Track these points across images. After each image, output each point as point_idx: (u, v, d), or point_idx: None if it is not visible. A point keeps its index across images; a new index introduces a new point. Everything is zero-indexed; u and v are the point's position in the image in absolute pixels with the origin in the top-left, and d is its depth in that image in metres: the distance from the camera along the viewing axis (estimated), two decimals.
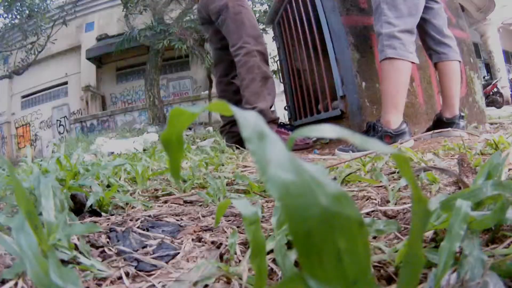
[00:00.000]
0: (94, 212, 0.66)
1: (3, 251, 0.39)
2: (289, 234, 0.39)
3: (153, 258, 0.43)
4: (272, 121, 2.45)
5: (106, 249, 0.45)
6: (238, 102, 2.49)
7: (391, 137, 1.61)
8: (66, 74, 13.76)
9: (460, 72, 1.86)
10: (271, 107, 2.47)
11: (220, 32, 2.58)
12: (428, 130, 1.94)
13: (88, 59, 12.81)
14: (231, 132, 2.58)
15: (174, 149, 0.23)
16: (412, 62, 1.65)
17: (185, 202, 0.82)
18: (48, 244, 0.36)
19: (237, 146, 2.13)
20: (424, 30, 1.88)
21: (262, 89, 2.38)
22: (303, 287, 0.16)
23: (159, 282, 0.37)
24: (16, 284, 0.34)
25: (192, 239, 0.49)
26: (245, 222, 0.31)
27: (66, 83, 13.88)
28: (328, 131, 0.18)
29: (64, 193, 0.64)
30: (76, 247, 0.43)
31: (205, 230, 0.53)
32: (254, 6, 9.96)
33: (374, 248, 0.39)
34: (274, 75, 10.56)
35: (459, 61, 1.85)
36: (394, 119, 1.63)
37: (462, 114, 1.84)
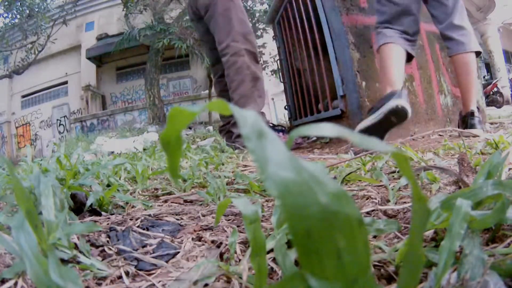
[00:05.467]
0: (94, 212, 0.65)
1: (3, 251, 0.39)
2: (289, 233, 0.39)
3: (153, 257, 0.43)
4: None
5: (106, 248, 0.45)
6: None
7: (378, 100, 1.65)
8: (66, 74, 13.76)
9: (470, 64, 1.79)
10: (261, 110, 2.37)
11: (211, 32, 2.47)
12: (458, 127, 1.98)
13: (88, 58, 12.81)
14: (231, 132, 2.55)
15: (173, 149, 0.23)
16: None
17: (185, 201, 0.82)
18: (48, 243, 0.36)
19: (237, 145, 2.13)
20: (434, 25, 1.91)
21: (252, 90, 2.29)
22: (303, 286, 0.16)
23: (159, 281, 0.37)
24: (16, 283, 0.34)
25: (192, 238, 0.49)
26: (245, 221, 0.31)
27: (66, 82, 13.88)
28: (327, 130, 0.18)
29: (64, 193, 0.64)
30: (76, 246, 0.43)
31: (205, 229, 0.53)
32: (254, 6, 9.97)
33: (374, 247, 0.39)
34: (274, 74, 10.60)
35: (472, 52, 1.79)
36: (386, 88, 1.68)
37: (473, 110, 1.80)
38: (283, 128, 2.76)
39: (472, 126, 1.77)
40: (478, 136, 1.73)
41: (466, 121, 1.82)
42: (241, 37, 2.30)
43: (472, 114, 1.80)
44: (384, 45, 1.73)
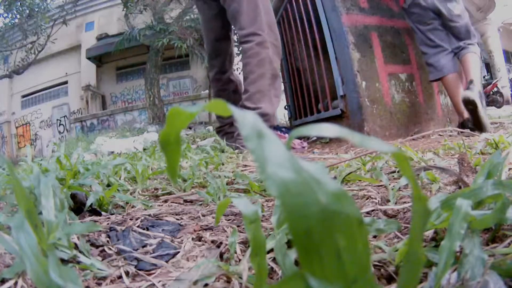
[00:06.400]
0: (94, 211, 0.65)
1: (3, 250, 0.39)
2: (289, 233, 0.39)
3: (153, 257, 0.43)
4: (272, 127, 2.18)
5: (106, 248, 0.45)
6: (237, 102, 2.25)
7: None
8: (66, 74, 13.75)
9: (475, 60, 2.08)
10: (275, 111, 2.21)
11: (221, 18, 2.31)
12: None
13: (88, 58, 12.81)
14: (230, 133, 2.47)
15: (172, 149, 0.23)
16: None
17: (185, 201, 0.82)
18: (48, 243, 0.36)
19: (237, 145, 2.12)
20: None
21: (270, 88, 2.12)
22: (303, 285, 0.16)
23: (159, 281, 0.37)
24: (16, 283, 0.34)
25: (192, 238, 0.49)
26: (245, 221, 0.31)
27: (66, 82, 13.88)
28: (327, 130, 0.18)
29: (64, 192, 0.64)
30: (76, 246, 0.43)
31: (205, 229, 0.53)
32: None
33: (374, 247, 0.39)
34: None
35: (475, 53, 2.09)
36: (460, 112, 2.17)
37: (472, 79, 1.97)
38: (288, 129, 2.73)
39: (470, 90, 1.89)
40: (479, 130, 1.85)
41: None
42: (267, 27, 2.14)
43: (471, 81, 1.95)
44: (442, 78, 2.15)
